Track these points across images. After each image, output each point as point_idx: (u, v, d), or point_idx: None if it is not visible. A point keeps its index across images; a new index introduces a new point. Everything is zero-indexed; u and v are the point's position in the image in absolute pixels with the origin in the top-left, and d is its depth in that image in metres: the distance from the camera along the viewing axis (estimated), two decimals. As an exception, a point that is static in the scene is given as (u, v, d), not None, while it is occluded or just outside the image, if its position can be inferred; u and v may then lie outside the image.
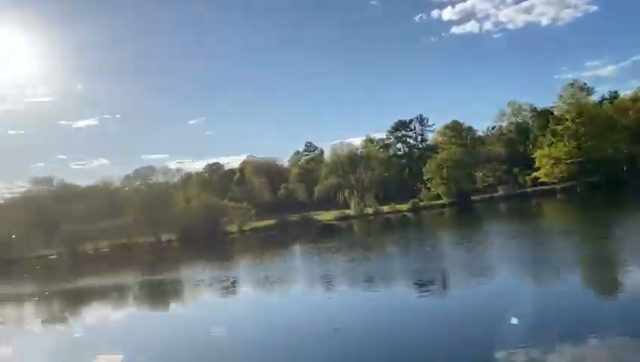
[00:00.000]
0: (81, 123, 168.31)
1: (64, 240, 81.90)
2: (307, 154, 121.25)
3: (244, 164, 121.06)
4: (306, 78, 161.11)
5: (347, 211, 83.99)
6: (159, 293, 27.67)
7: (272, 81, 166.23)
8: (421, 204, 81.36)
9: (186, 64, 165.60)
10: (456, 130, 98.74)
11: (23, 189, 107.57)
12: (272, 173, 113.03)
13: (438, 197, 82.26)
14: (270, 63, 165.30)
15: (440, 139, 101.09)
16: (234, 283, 26.34)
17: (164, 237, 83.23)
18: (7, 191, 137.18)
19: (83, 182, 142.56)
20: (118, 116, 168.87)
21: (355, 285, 20.95)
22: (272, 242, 58.45)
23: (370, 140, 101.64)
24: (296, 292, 22.16)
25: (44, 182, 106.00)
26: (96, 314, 22.98)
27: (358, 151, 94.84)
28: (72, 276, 43.77)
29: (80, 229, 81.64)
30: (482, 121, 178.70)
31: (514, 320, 11.64)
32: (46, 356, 14.85)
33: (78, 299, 28.39)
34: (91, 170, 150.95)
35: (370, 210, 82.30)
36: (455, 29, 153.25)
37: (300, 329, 14.93)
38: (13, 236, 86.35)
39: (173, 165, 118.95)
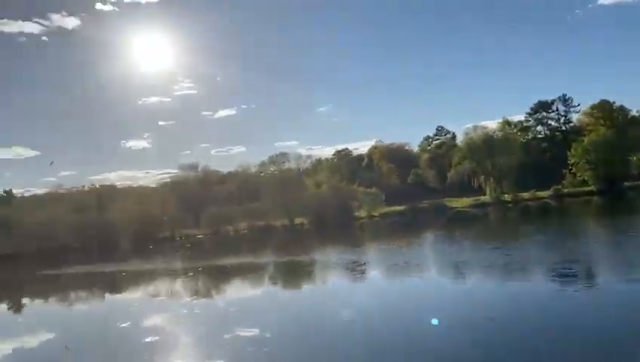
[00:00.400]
0: (221, 113, 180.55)
1: (209, 222, 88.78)
2: (438, 139, 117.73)
3: (373, 149, 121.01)
4: (434, 63, 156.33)
5: (482, 198, 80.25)
6: (294, 274, 28.38)
7: (400, 67, 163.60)
8: (564, 190, 75.12)
9: (317, 52, 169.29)
10: (605, 110, 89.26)
11: (173, 175, 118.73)
12: (400, 158, 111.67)
13: (584, 183, 75.23)
14: (398, 49, 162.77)
15: (586, 120, 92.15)
16: (367, 268, 26.22)
17: (297, 221, 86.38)
18: (160, 177, 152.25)
19: (223, 168, 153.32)
20: (253, 106, 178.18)
21: (498, 275, 19.63)
22: (402, 228, 57.76)
23: (507, 123, 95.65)
24: (434, 278, 21.41)
25: (191, 168, 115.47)
26: (238, 290, 24.10)
27: (495, 135, 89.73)
28: (217, 254, 47.12)
29: (222, 211, 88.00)
30: (636, 100, 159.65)
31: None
32: (195, 326, 15.75)
33: (223, 276, 30.25)
34: (230, 156, 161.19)
35: (507, 197, 77.81)
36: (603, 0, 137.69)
37: (447, 317, 14.15)
38: (165, 217, 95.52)
39: (304, 151, 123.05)
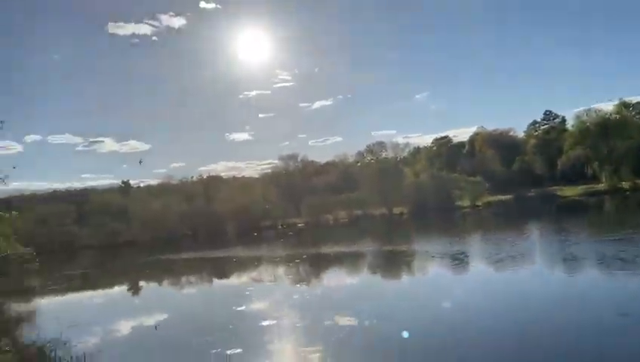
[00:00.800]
0: (318, 104, 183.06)
1: (309, 211, 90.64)
2: (546, 124, 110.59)
3: (475, 136, 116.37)
4: (539, 45, 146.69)
5: (596, 186, 74.38)
6: (393, 263, 28.05)
7: (499, 50, 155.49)
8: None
9: (411, 40, 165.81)
10: None
11: (273, 165, 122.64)
12: (504, 144, 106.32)
13: None
14: (496, 32, 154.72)
15: None
16: (468, 259, 25.23)
17: (396, 210, 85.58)
18: (261, 167, 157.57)
19: (320, 158, 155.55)
20: (350, 96, 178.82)
21: (618, 269, 18.00)
22: (508, 218, 55.06)
23: (624, 104, 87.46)
24: (543, 272, 20.13)
25: (290, 159, 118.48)
26: (339, 278, 24.18)
27: (611, 118, 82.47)
28: (318, 242, 47.89)
29: (321, 201, 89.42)
30: None
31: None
32: (298, 312, 15.98)
33: (325, 264, 30.65)
34: (326, 146, 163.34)
35: (625, 185, 71.46)
36: None
37: (574, 313, 13.18)
38: (267, 206, 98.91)
39: (401, 140, 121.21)
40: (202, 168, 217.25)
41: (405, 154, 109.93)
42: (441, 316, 13.83)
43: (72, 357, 9.79)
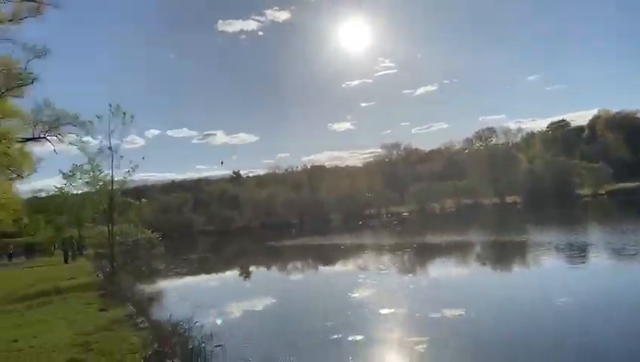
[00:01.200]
0: (421, 90, 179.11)
1: (414, 199, 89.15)
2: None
3: (595, 119, 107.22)
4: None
5: None
6: (504, 254, 26.58)
7: (619, 24, 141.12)
8: None
9: (519, 18, 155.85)
10: None
11: (376, 154, 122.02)
12: (630, 128, 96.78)
13: None
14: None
15: None
16: (589, 252, 22.95)
17: (509, 199, 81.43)
18: (364, 156, 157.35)
19: (424, 145, 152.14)
20: (455, 80, 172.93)
21: None
22: (636, 208, 50.00)
23: None
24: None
25: (393, 147, 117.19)
26: (447, 269, 23.26)
27: None
28: (425, 232, 46.76)
29: (427, 189, 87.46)
30: None
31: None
32: (405, 302, 15.48)
33: (433, 253, 29.80)
34: (430, 133, 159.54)
35: None
36: None
37: None
38: (370, 194, 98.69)
39: (512, 125, 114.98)
40: (306, 158, 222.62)
41: (518, 139, 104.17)
42: (556, 313, 12.59)
43: (201, 337, 10.12)
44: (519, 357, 9.61)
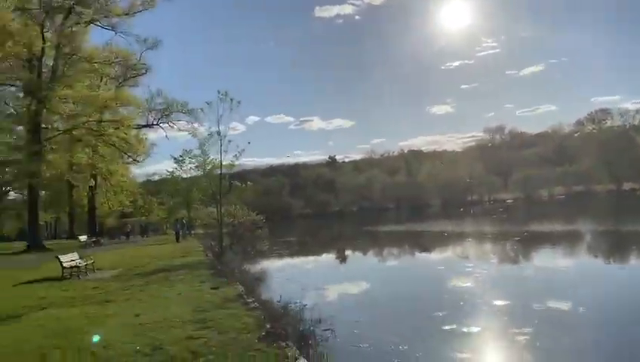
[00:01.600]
0: (527, 70, 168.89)
1: (519, 186, 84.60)
2: None
3: None
4: None
5: None
6: (617, 245, 24.48)
7: None
8: None
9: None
10: None
11: (477, 138, 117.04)
12: None
13: None
14: None
15: None
16: None
17: (626, 186, 74.64)
18: (463, 141, 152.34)
19: (529, 128, 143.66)
20: (564, 59, 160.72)
21: None
22: None
23: None
24: None
25: (496, 131, 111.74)
26: (557, 260, 21.67)
27: None
28: (531, 220, 44.11)
29: (533, 175, 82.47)
30: None
31: None
32: (515, 292, 14.57)
33: (540, 242, 28.08)
34: (536, 116, 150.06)
35: None
36: None
37: None
38: (470, 180, 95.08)
39: (630, 106, 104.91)
40: (402, 143, 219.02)
41: (637, 122, 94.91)
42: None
43: (311, 320, 10.00)
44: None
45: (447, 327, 10.86)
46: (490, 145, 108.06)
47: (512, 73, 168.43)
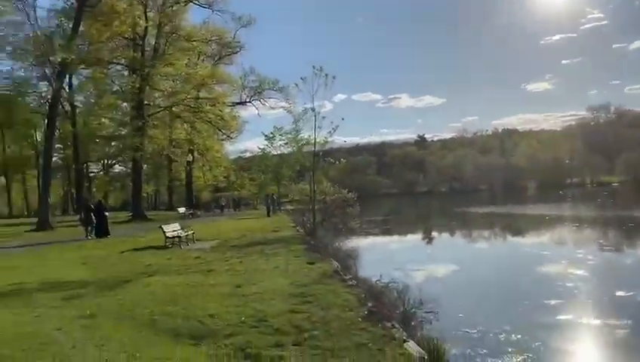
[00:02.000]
0: (638, 43, 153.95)
1: (627, 168, 77.97)
2: None
3: None
4: None
5: None
6: None
7: None
8: None
9: None
10: None
11: (579, 117, 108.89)
12: None
13: None
14: None
15: None
16: None
17: None
18: (563, 119, 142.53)
19: (638, 106, 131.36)
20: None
21: None
22: None
23: None
24: None
25: (601, 109, 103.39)
26: None
27: None
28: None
29: (641, 157, 75.65)
30: None
31: None
32: (620, 282, 13.41)
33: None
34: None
35: None
36: None
37: None
38: (569, 161, 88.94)
39: None
40: (496, 121, 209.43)
41: None
42: None
43: (412, 301, 9.53)
44: None
45: (562, 317, 9.97)
46: (593, 123, 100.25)
47: (621, 47, 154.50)
